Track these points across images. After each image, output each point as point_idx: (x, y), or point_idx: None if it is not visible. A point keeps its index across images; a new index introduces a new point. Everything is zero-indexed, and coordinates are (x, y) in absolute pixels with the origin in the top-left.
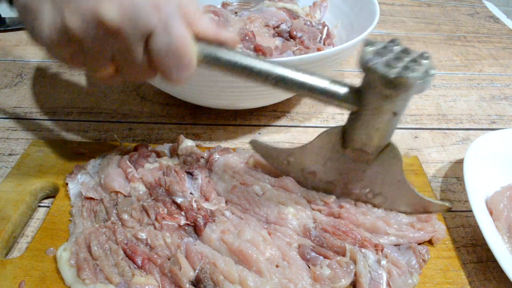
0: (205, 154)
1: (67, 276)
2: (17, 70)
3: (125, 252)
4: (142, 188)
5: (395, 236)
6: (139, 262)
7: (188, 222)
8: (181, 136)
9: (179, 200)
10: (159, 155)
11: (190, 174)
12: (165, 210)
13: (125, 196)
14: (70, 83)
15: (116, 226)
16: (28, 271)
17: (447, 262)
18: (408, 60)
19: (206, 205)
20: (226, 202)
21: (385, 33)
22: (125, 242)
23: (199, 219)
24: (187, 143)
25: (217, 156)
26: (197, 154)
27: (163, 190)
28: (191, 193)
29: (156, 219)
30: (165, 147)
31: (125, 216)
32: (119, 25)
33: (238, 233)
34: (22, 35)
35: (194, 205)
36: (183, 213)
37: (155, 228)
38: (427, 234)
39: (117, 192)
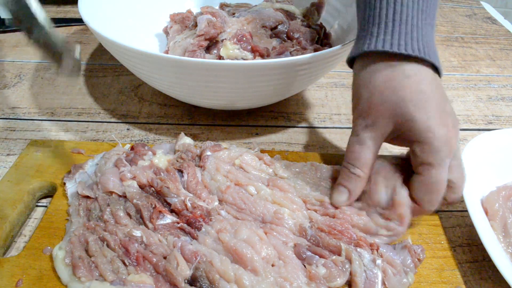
0: (198, 151)
1: (63, 274)
2: (15, 70)
3: (119, 250)
4: (135, 188)
5: (386, 236)
6: (133, 260)
7: (183, 221)
8: (182, 133)
9: (172, 201)
10: (155, 154)
11: (181, 172)
12: (160, 209)
13: (119, 196)
14: (68, 83)
15: (109, 224)
16: (26, 269)
17: (442, 261)
18: None
19: (201, 204)
20: (220, 201)
21: None
22: (118, 240)
23: (195, 218)
24: (186, 140)
25: (209, 153)
26: (192, 153)
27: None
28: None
29: (150, 219)
30: (162, 147)
31: (120, 214)
32: None
33: (235, 232)
34: (21, 36)
35: (189, 204)
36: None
37: (148, 228)
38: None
39: (111, 192)
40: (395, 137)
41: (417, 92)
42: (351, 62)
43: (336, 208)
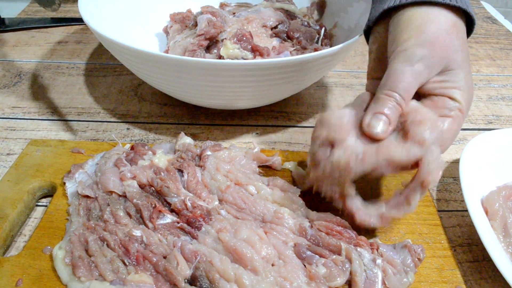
0: (198, 151)
1: (63, 274)
2: (15, 70)
3: (119, 250)
4: (135, 187)
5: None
6: (133, 260)
7: (183, 221)
8: (182, 133)
9: (172, 200)
10: (155, 154)
11: (181, 171)
12: (160, 209)
13: (119, 195)
14: (68, 83)
15: (109, 224)
16: (26, 269)
17: (443, 261)
18: None
19: (201, 203)
20: (220, 201)
21: None
22: (118, 240)
23: (195, 217)
24: (186, 140)
25: (209, 153)
26: (192, 152)
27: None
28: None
29: (150, 219)
30: (162, 146)
31: (120, 213)
32: None
33: (235, 232)
34: (21, 36)
35: (189, 203)
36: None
37: (148, 228)
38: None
39: (111, 192)
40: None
41: (466, 45)
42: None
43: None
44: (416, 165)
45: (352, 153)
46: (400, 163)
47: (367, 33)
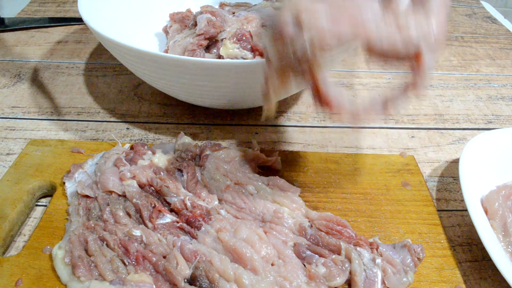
0: (197, 150)
1: (62, 274)
2: (15, 70)
3: (118, 249)
4: (135, 187)
5: None
6: (133, 260)
7: (182, 221)
8: (181, 133)
9: (172, 200)
10: (155, 153)
11: (180, 171)
12: (159, 209)
13: (119, 195)
14: (68, 83)
15: (108, 224)
16: (25, 269)
17: (442, 260)
18: None
19: (201, 203)
20: (219, 201)
21: None
22: (118, 240)
23: (195, 217)
24: (185, 140)
25: (209, 153)
26: (192, 152)
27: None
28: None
29: (150, 218)
30: (161, 146)
31: (120, 213)
32: None
33: (234, 231)
34: (20, 35)
35: (188, 203)
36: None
37: (147, 227)
38: None
39: (111, 191)
40: None
41: None
42: None
43: None
44: (383, 55)
45: (324, 13)
46: (375, 48)
47: None
